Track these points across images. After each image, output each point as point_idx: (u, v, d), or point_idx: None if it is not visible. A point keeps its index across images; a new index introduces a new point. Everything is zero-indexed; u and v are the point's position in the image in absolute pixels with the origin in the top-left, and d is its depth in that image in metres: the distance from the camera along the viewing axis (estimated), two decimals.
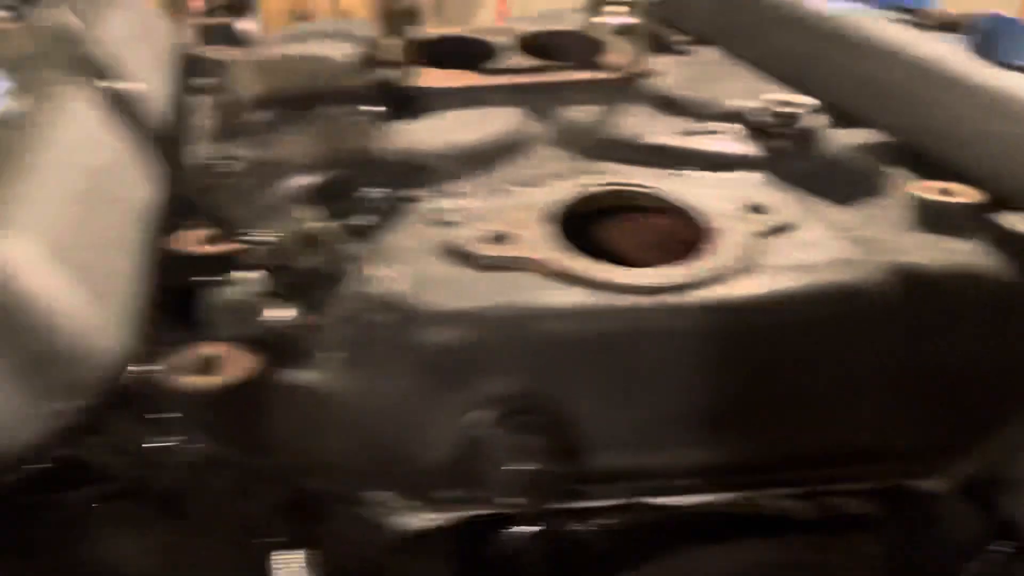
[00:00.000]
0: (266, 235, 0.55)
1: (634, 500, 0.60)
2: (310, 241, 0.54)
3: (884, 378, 0.61)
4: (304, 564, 0.55)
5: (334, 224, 0.56)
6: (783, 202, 0.69)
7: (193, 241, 0.61)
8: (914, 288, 0.61)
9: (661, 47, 1.05)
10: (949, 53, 0.86)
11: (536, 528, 0.60)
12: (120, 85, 0.37)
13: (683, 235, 0.70)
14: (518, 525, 0.60)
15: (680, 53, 1.05)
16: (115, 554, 0.53)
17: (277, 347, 0.54)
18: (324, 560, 0.56)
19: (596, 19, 0.99)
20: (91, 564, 0.53)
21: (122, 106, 0.37)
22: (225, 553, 0.56)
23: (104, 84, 0.36)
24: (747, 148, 0.78)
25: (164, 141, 0.76)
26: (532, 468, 0.52)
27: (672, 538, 0.60)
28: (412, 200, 0.70)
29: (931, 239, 0.67)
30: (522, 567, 0.61)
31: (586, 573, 0.59)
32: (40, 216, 0.53)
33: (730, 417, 0.60)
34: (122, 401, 0.52)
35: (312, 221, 0.54)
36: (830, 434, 0.61)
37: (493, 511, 0.58)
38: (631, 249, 0.75)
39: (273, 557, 0.56)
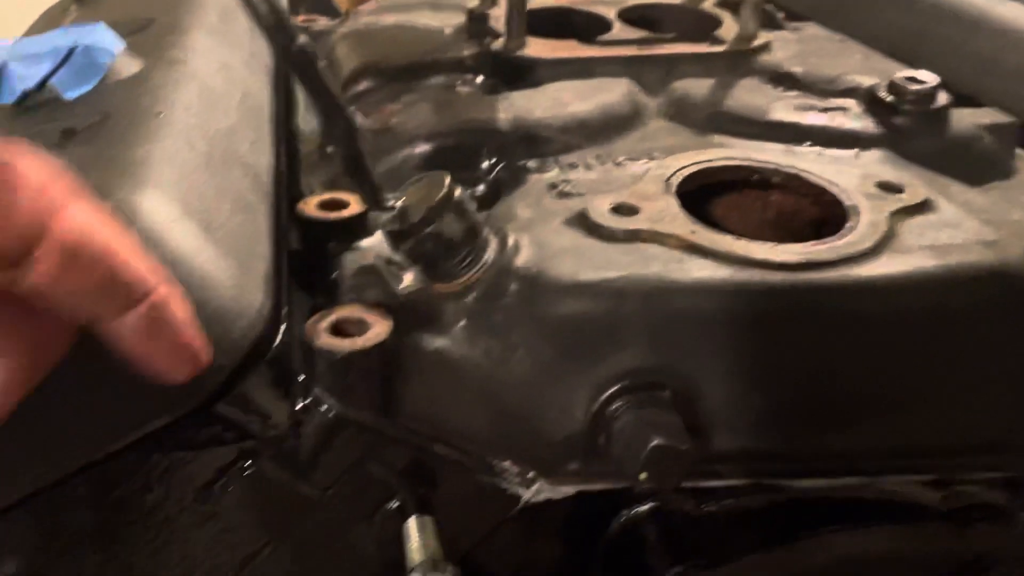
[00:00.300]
0: (402, 200, 0.54)
1: (758, 481, 0.59)
2: (452, 207, 0.53)
3: (1021, 365, 0.59)
4: (436, 531, 0.55)
5: (464, 192, 0.55)
6: (913, 181, 0.67)
7: (324, 206, 0.61)
8: None
9: (768, 21, 1.02)
10: None
11: (656, 506, 0.59)
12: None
13: (808, 212, 0.68)
14: (638, 502, 0.60)
15: (785, 28, 1.03)
16: (245, 512, 0.53)
17: (409, 313, 0.54)
18: (442, 526, 0.56)
19: None
20: (221, 521, 0.54)
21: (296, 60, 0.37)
22: (351, 515, 0.56)
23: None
24: (867, 125, 0.75)
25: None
26: (657, 444, 0.51)
27: (795, 521, 0.59)
28: (528, 171, 0.69)
29: None
30: (640, 545, 0.60)
31: (704, 553, 0.58)
32: (172, 175, 0.54)
33: (863, 401, 0.58)
34: (259, 362, 0.53)
35: (453, 187, 0.54)
36: (964, 422, 0.59)
37: (613, 487, 0.57)
38: (747, 226, 0.73)
39: (408, 522, 0.56)
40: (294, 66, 0.37)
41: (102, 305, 0.34)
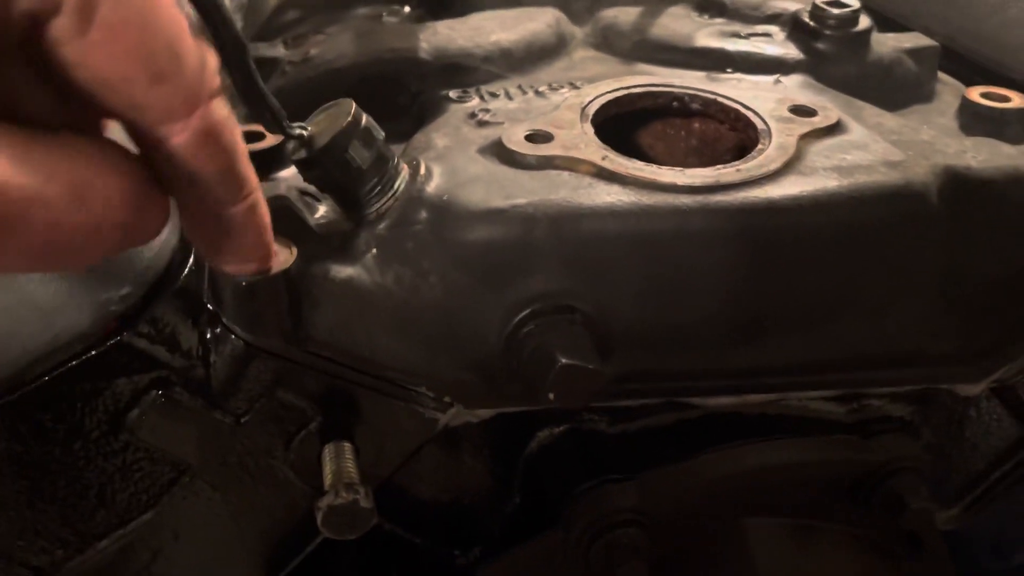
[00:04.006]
0: (311, 129, 0.54)
1: (669, 399, 0.61)
2: (358, 134, 0.53)
3: (928, 281, 0.60)
4: (352, 455, 0.56)
5: (370, 119, 0.55)
6: (830, 104, 0.67)
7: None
8: (962, 190, 0.59)
9: None
10: None
11: (569, 426, 0.60)
12: None
13: (726, 139, 0.69)
14: (555, 422, 0.61)
15: None
16: (160, 440, 0.54)
17: (319, 242, 0.55)
18: (359, 451, 0.57)
19: None
20: (136, 449, 0.54)
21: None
22: (267, 442, 0.57)
23: None
24: (789, 50, 0.75)
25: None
26: (564, 364, 0.52)
27: (705, 437, 0.61)
28: (450, 100, 0.69)
29: (981, 142, 0.65)
30: (556, 462, 0.62)
31: (617, 468, 0.60)
32: None
33: (770, 319, 0.59)
34: (166, 291, 0.53)
35: (359, 114, 0.53)
36: (870, 338, 0.61)
37: (526, 408, 0.58)
38: (672, 153, 0.74)
39: (324, 448, 0.57)
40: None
41: (221, 190, 0.38)
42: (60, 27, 0.29)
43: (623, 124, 0.70)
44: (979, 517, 0.70)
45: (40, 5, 0.29)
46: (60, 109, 0.33)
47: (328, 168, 0.54)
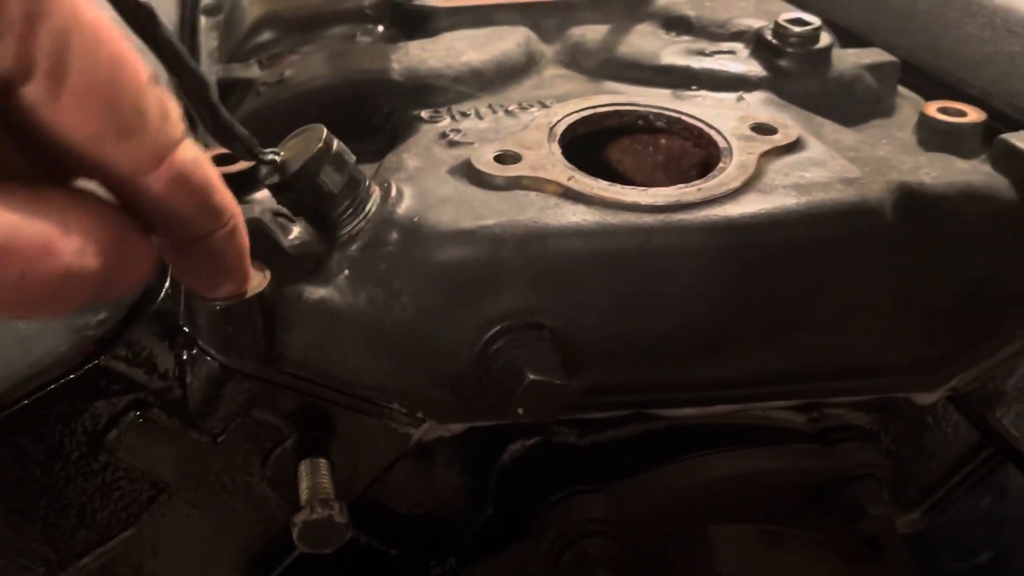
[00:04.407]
0: (283, 155, 0.55)
1: (637, 411, 0.62)
2: (329, 159, 0.55)
3: (884, 294, 0.62)
4: (327, 471, 0.57)
5: (340, 143, 0.57)
6: (789, 122, 0.70)
7: (215, 160, 0.61)
8: (915, 205, 0.61)
9: None
10: None
11: (540, 438, 0.62)
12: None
13: (691, 155, 0.71)
14: (527, 435, 0.63)
15: None
16: (139, 459, 0.55)
17: (293, 264, 0.56)
18: (335, 467, 0.58)
19: None
20: (116, 469, 0.56)
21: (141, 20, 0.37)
22: (244, 460, 0.58)
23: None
24: (752, 68, 0.77)
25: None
26: (531, 380, 0.54)
27: (671, 448, 0.63)
28: (422, 120, 0.71)
29: (935, 158, 0.67)
30: (528, 474, 0.63)
31: (588, 482, 0.62)
32: None
33: (733, 332, 0.61)
34: (143, 314, 0.54)
35: (330, 139, 0.55)
36: (830, 349, 0.63)
37: (498, 423, 0.60)
38: (640, 169, 0.76)
39: (300, 465, 0.59)
40: (133, 24, 0.38)
41: (199, 223, 0.40)
42: (32, 92, 0.31)
43: (594, 139, 0.72)
44: (942, 519, 0.72)
45: (12, 71, 0.30)
46: (32, 164, 0.34)
47: (300, 192, 0.56)
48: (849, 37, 0.90)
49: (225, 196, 0.42)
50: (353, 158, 0.58)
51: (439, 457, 0.65)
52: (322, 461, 0.58)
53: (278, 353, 0.55)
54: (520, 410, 0.56)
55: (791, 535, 0.64)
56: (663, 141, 0.73)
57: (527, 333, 0.58)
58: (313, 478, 0.57)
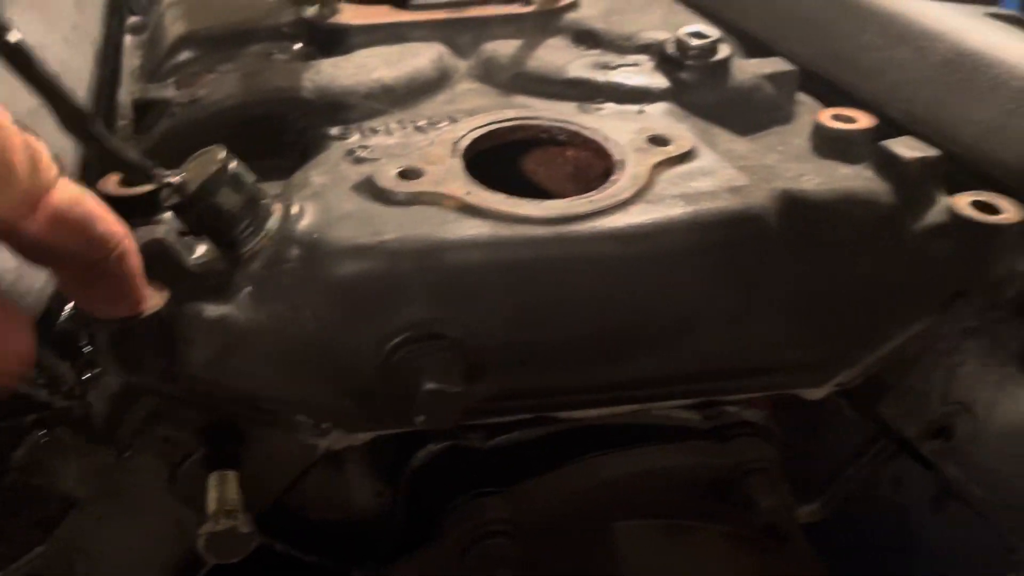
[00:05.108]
0: (181, 175, 0.57)
1: (539, 415, 0.65)
2: (227, 180, 0.57)
3: (771, 297, 0.66)
4: (235, 482, 0.59)
5: (240, 163, 0.58)
6: (685, 133, 0.72)
7: (126, 181, 0.62)
8: (798, 212, 0.65)
9: None
10: None
11: (447, 443, 0.64)
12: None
13: (596, 166, 0.74)
14: (429, 442, 0.65)
15: None
16: (47, 477, 0.57)
17: (193, 282, 0.58)
18: (245, 479, 0.60)
19: None
20: (25, 487, 0.57)
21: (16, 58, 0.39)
22: (152, 474, 0.60)
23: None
24: (654, 80, 0.80)
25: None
26: (429, 389, 0.56)
27: (574, 448, 0.66)
28: (331, 137, 0.73)
29: (821, 164, 0.71)
30: (433, 481, 0.66)
31: (494, 484, 0.64)
32: None
33: (628, 337, 0.64)
34: (46, 335, 0.56)
35: (228, 160, 0.57)
36: (722, 350, 0.66)
37: (405, 430, 0.62)
38: (552, 179, 0.78)
39: (209, 477, 0.60)
40: (10, 61, 0.40)
41: (86, 254, 0.43)
42: None
43: (510, 150, 0.74)
44: (842, 509, 0.76)
45: None
46: None
47: (199, 213, 0.58)
48: (758, 46, 0.93)
49: (109, 225, 0.44)
50: (253, 177, 0.60)
51: (350, 465, 0.67)
52: (229, 473, 0.60)
53: (180, 370, 0.57)
54: (420, 418, 0.58)
55: (694, 528, 0.67)
56: (570, 153, 0.76)
57: (427, 344, 0.60)
58: (219, 490, 0.58)
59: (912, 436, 0.71)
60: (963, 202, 0.66)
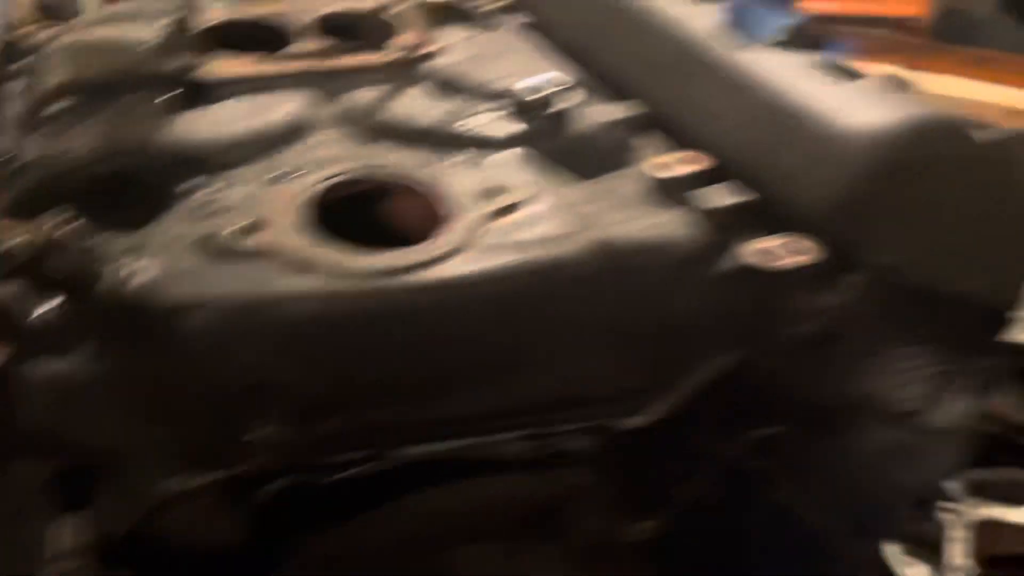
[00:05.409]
0: (24, 236, 0.61)
1: (373, 453, 0.70)
2: (56, 242, 0.61)
3: (593, 335, 0.71)
4: (78, 526, 0.63)
5: (81, 223, 0.62)
6: (525, 181, 0.78)
7: None
8: (613, 256, 0.70)
9: (464, 17, 1.11)
10: (701, 28, 0.94)
11: (286, 481, 0.69)
12: None
13: (433, 217, 0.79)
14: (271, 480, 0.70)
15: (482, 24, 1.11)
16: None
17: (33, 339, 0.62)
18: (95, 524, 0.64)
19: None
20: None
21: None
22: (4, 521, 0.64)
23: None
24: (505, 128, 0.86)
25: None
26: (260, 436, 0.61)
27: (408, 483, 0.71)
28: (185, 192, 0.77)
29: (641, 211, 0.76)
30: (273, 518, 0.70)
31: (335, 517, 0.69)
32: None
33: (458, 377, 0.69)
34: None
35: (62, 220, 0.61)
36: (548, 386, 0.72)
37: (247, 470, 0.67)
38: (407, 225, 0.83)
39: (59, 522, 0.64)
40: None
41: None
42: None
43: (347, 203, 0.79)
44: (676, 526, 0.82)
45: None
46: None
47: (42, 272, 0.62)
48: (617, 88, 0.99)
49: None
50: (88, 238, 0.64)
51: (196, 504, 0.72)
52: (72, 519, 0.64)
53: (19, 423, 0.61)
54: (254, 462, 0.63)
55: (532, 548, 0.73)
56: (413, 202, 0.81)
57: (260, 393, 0.64)
58: (62, 534, 0.62)
59: (731, 458, 0.77)
60: (756, 247, 0.72)
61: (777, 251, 0.73)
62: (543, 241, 0.70)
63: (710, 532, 0.85)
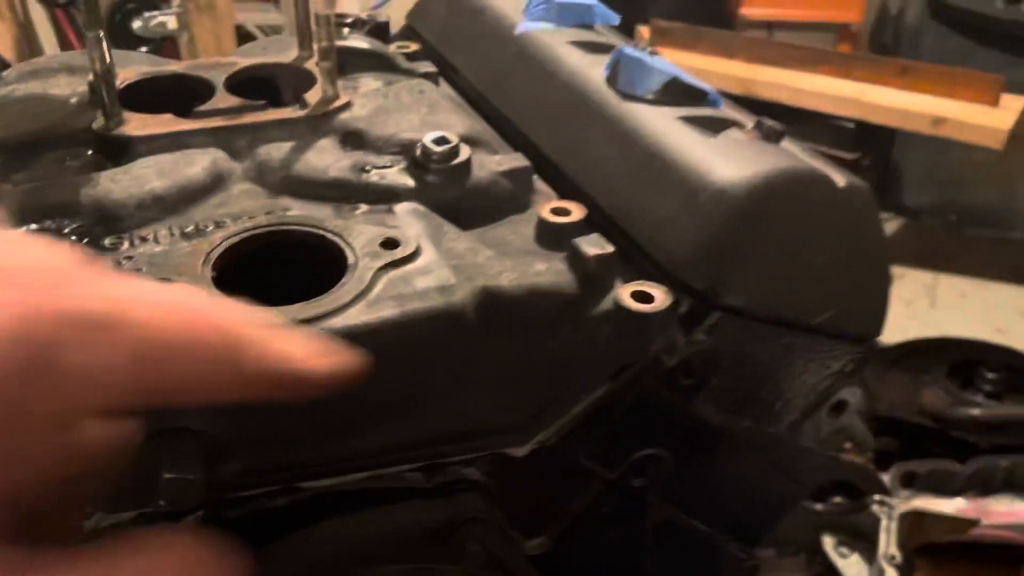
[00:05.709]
0: None
1: (282, 486, 0.77)
2: None
3: (478, 376, 0.79)
4: None
5: None
6: (417, 234, 0.85)
7: None
8: (493, 306, 0.78)
9: (380, 66, 1.18)
10: (591, 79, 1.03)
11: (202, 515, 0.75)
12: None
13: (334, 271, 0.86)
14: (187, 515, 0.76)
15: (397, 72, 1.19)
16: None
17: None
18: None
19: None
20: None
21: None
22: None
23: None
24: (404, 181, 0.93)
25: None
26: (168, 478, 0.67)
27: (315, 514, 0.78)
28: (104, 249, 0.82)
29: (526, 259, 0.85)
30: None
31: (246, 548, 0.76)
32: None
33: (359, 417, 0.77)
34: None
35: None
36: (441, 421, 0.80)
37: (157, 508, 0.73)
38: (289, 285, 0.89)
39: None
40: None
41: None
42: None
43: (252, 257, 0.85)
44: (569, 542, 0.90)
45: None
46: None
47: None
48: (510, 138, 1.08)
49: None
50: None
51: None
52: None
53: None
54: (162, 502, 0.69)
55: (435, 569, 0.80)
56: (318, 256, 0.88)
57: (168, 438, 0.71)
58: None
59: (614, 478, 0.86)
60: (625, 293, 0.81)
61: (648, 294, 0.82)
62: (430, 292, 0.78)
63: (601, 543, 0.94)
